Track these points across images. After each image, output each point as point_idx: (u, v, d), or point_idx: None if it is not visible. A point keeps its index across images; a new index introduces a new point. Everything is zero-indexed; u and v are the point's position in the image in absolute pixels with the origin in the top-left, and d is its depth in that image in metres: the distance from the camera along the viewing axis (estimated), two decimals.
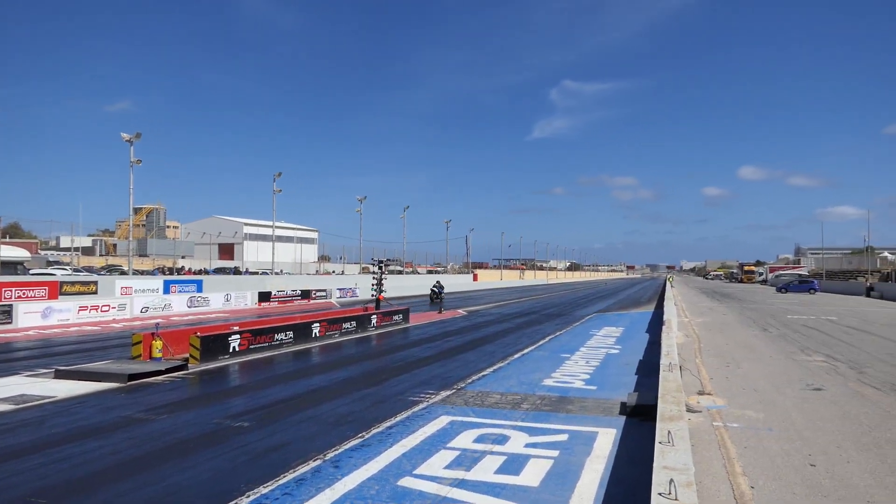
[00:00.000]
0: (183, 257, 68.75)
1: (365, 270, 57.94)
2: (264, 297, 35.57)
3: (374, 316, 21.89)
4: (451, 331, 21.82)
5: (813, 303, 39.55)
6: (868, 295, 49.71)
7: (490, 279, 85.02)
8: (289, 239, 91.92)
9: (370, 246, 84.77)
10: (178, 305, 29.52)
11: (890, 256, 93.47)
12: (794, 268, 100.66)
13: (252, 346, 15.54)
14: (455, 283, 67.02)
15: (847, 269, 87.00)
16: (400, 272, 65.41)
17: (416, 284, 56.67)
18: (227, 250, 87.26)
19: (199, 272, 51.21)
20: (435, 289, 37.22)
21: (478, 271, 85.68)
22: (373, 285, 24.12)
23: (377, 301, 23.84)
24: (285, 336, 16.83)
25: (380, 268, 24.07)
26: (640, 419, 9.02)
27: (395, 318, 23.26)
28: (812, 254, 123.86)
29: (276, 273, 50.12)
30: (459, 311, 31.92)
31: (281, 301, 36.55)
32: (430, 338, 19.62)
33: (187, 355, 14.11)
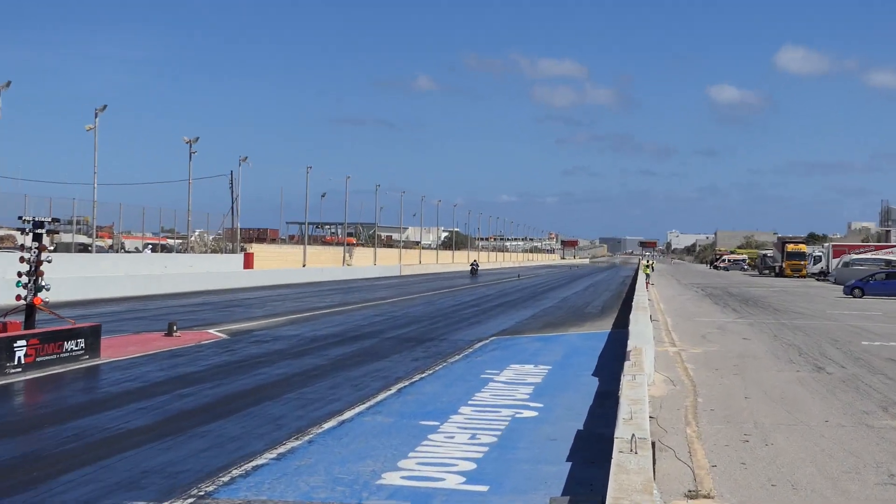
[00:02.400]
0: None
1: (5, 242, 55.37)
2: None
3: (23, 342, 21.11)
4: (190, 374, 21.49)
5: None
6: None
7: (279, 263, 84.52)
8: None
9: (19, 192, 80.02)
10: None
11: None
12: (879, 248, 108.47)
13: None
14: (207, 270, 66.11)
15: None
16: (86, 248, 63.52)
17: (124, 273, 55.26)
18: None
19: None
20: (474, 266, 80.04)
21: (255, 248, 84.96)
22: (20, 275, 23.25)
23: (29, 309, 23.03)
24: None
25: (37, 237, 23.24)
26: None
27: (71, 345, 22.62)
28: None
29: None
30: (211, 331, 31.57)
31: None
32: (146, 389, 19.24)
33: None
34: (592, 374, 22.20)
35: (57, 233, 26.72)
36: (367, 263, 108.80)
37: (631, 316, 29.52)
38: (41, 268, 23.29)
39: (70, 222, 62.59)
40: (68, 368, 21.85)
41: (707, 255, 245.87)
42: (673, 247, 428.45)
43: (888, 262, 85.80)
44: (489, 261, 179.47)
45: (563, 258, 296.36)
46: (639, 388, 13.81)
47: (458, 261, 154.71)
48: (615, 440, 10.19)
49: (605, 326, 36.13)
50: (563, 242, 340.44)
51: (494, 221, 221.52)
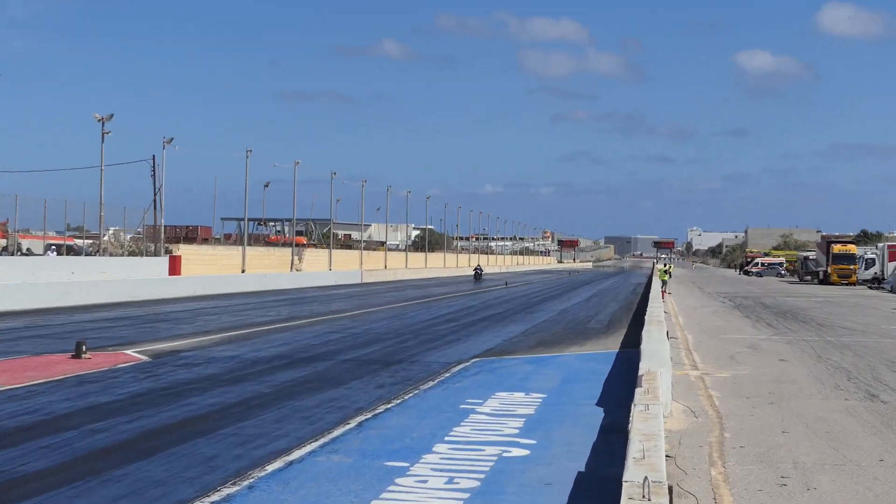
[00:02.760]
0: None
1: None
2: None
3: None
4: (103, 404, 21.40)
5: None
6: None
7: (213, 269, 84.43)
8: None
9: None
10: None
11: None
12: None
13: None
14: (123, 277, 65.85)
15: None
16: None
17: (22, 280, 54.92)
18: None
19: None
20: (477, 270, 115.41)
21: (183, 250, 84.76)
22: None
23: None
24: None
25: None
26: None
27: None
28: None
29: None
30: (129, 351, 31.54)
31: None
32: (49, 423, 19.17)
33: None
34: (596, 404, 22.22)
35: None
36: (321, 268, 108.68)
37: (643, 332, 29.58)
38: None
39: None
40: None
41: (736, 258, 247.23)
42: (694, 248, 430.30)
43: None
44: (470, 265, 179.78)
45: (560, 261, 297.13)
46: (653, 420, 13.85)
47: (433, 264, 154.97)
48: (624, 484, 10.22)
49: (612, 345, 36.24)
50: (560, 243, 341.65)
51: (476, 217, 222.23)
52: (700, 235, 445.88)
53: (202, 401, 22.07)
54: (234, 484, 14.49)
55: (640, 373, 19.58)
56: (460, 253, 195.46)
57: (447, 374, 27.25)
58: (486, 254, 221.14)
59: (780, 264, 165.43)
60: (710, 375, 26.95)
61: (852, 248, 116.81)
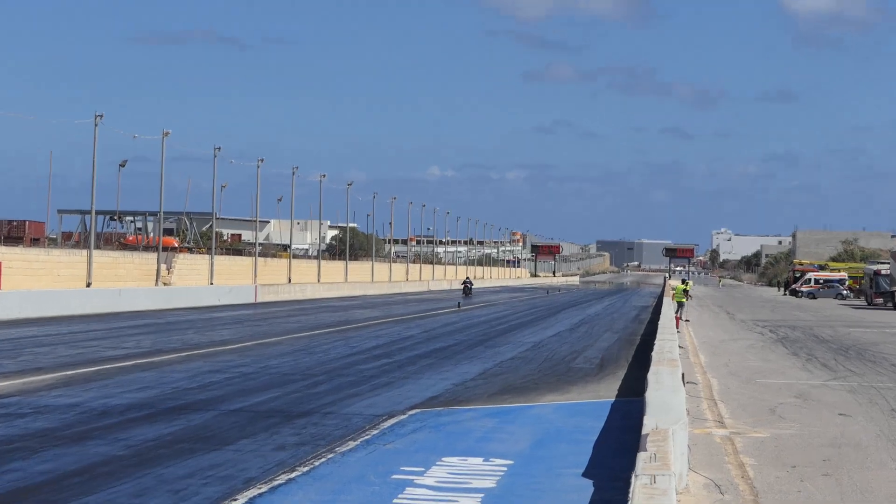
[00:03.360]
0: None
1: None
2: None
3: None
4: None
5: None
6: None
7: (46, 281, 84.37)
8: None
9: None
10: None
11: None
12: None
13: None
14: None
15: None
16: None
17: None
18: None
19: None
20: (467, 284, 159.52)
21: (3, 253, 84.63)
22: None
23: None
24: None
25: None
26: None
27: None
28: None
29: None
30: None
31: None
32: None
33: None
34: (583, 475, 22.24)
35: None
36: (199, 282, 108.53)
37: (650, 375, 29.65)
38: None
39: None
40: None
41: (779, 273, 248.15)
42: (722, 257, 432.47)
43: None
44: (408, 278, 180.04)
45: (535, 275, 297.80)
46: (662, 497, 13.93)
47: (357, 277, 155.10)
48: None
49: (606, 393, 36.40)
50: (535, 249, 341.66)
51: (418, 212, 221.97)
52: (730, 240, 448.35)
53: (29, 467, 21.93)
54: None
55: (644, 431, 19.67)
56: (395, 261, 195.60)
57: (375, 432, 27.24)
58: (432, 263, 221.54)
59: (842, 281, 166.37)
60: (742, 435, 27.07)
61: None
